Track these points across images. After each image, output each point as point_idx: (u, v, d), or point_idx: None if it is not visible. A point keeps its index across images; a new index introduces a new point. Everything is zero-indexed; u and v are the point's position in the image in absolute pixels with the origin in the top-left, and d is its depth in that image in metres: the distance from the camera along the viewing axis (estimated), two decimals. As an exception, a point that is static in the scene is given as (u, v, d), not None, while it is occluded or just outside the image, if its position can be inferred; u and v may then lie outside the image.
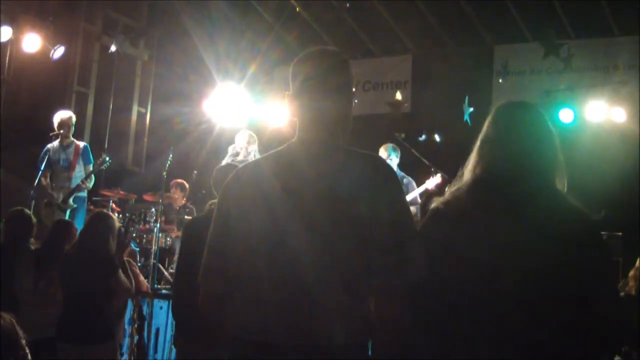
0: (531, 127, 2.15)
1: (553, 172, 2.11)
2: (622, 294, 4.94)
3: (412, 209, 6.83)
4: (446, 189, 2.24)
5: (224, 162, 6.89)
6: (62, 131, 7.14)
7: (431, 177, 7.19)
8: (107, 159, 7.09)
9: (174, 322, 4.63)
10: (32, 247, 5.03)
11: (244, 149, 7.11)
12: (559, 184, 2.13)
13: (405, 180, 7.24)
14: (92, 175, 7.21)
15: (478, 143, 2.20)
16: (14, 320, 1.25)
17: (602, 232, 2.21)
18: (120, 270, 4.28)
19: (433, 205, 2.19)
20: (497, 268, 1.97)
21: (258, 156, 6.97)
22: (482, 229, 2.03)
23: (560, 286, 1.96)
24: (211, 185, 4.29)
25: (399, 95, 9.00)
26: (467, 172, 2.18)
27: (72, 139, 7.35)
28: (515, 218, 2.01)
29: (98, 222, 4.40)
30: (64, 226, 5.01)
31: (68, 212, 6.99)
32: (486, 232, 2.02)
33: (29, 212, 5.31)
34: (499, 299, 1.97)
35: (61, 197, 7.04)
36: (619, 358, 4.82)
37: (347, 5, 9.16)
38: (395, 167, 7.13)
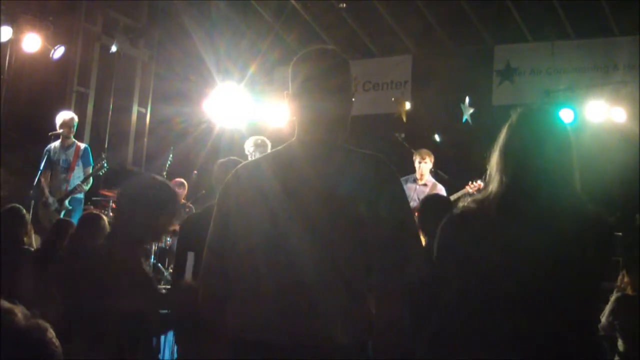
0: (555, 135, 2.15)
1: (574, 177, 2.11)
2: (619, 293, 4.94)
3: None
4: (465, 197, 2.23)
5: None
6: (62, 131, 7.14)
7: (471, 183, 7.14)
8: (105, 164, 7.08)
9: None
10: (27, 246, 4.97)
11: (250, 155, 7.17)
12: (577, 185, 2.12)
13: (437, 187, 7.19)
14: (91, 179, 7.20)
15: (501, 149, 2.17)
16: (52, 335, 1.23)
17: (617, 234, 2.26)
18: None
19: (459, 207, 2.18)
20: (518, 273, 1.97)
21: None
22: (506, 236, 2.02)
23: (578, 291, 1.97)
24: (212, 180, 4.26)
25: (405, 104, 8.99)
26: (494, 180, 2.15)
27: (74, 140, 7.35)
28: (540, 227, 2.00)
29: (88, 223, 4.37)
30: (64, 226, 4.99)
31: (63, 213, 6.97)
32: (510, 239, 2.02)
33: (21, 209, 5.22)
34: (515, 302, 1.98)
35: (56, 198, 7.03)
36: (618, 358, 4.82)
37: (343, 5, 9.16)
38: (427, 174, 7.17)
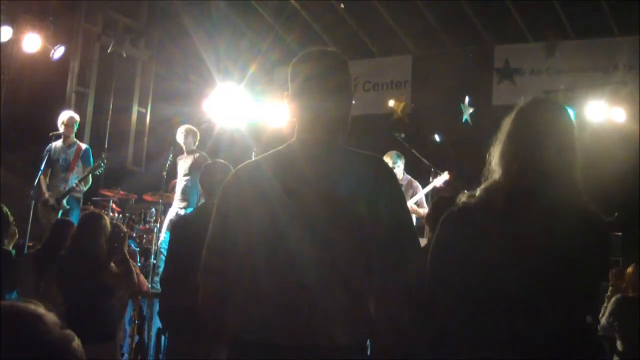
0: (559, 127, 2.12)
1: (575, 171, 2.10)
2: (619, 295, 4.95)
3: (420, 211, 6.80)
4: (462, 193, 2.20)
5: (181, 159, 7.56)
6: (62, 131, 7.14)
7: (438, 176, 7.17)
8: (102, 164, 7.09)
9: (163, 323, 4.59)
10: (8, 247, 4.88)
11: (181, 143, 7.60)
12: (578, 181, 2.11)
13: (414, 184, 7.20)
14: (89, 178, 7.19)
15: (503, 140, 2.14)
16: (77, 345, 1.23)
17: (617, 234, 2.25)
18: (112, 265, 4.22)
19: (462, 200, 2.16)
20: (518, 273, 1.97)
21: (193, 147, 7.39)
22: (506, 235, 2.02)
23: (578, 291, 1.97)
24: (200, 182, 4.28)
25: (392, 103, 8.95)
26: (499, 171, 2.13)
27: (75, 139, 7.35)
28: (540, 226, 1.99)
29: (89, 223, 4.36)
30: (64, 226, 4.97)
31: (60, 212, 6.97)
32: (510, 239, 2.01)
33: (3, 208, 4.96)
34: (515, 302, 1.97)
35: (54, 197, 7.03)
36: (617, 358, 4.83)
37: (342, 5, 9.17)
38: (401, 173, 7.11)
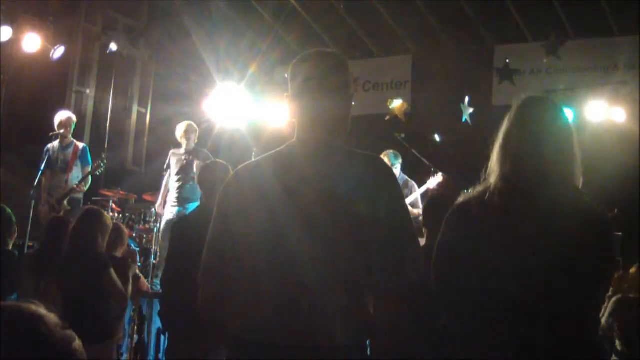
0: (556, 126, 2.12)
1: (574, 170, 2.10)
2: (619, 295, 4.94)
3: (415, 211, 6.79)
4: (466, 190, 2.21)
5: (170, 155, 7.47)
6: (61, 131, 7.14)
7: (432, 177, 7.19)
8: (102, 164, 7.07)
9: (163, 323, 4.59)
10: (9, 247, 4.86)
11: (183, 140, 7.47)
12: (577, 180, 2.11)
13: (409, 184, 7.22)
14: (89, 178, 7.18)
15: (501, 140, 2.15)
16: (78, 345, 1.24)
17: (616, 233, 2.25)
18: (112, 271, 4.19)
19: (459, 201, 2.17)
20: (518, 273, 1.97)
21: (193, 145, 7.30)
22: (506, 235, 2.02)
23: (579, 291, 1.97)
24: (198, 182, 4.29)
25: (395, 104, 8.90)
26: (494, 171, 2.14)
27: (72, 139, 7.34)
28: (539, 225, 1.99)
29: (88, 219, 4.34)
30: (59, 225, 4.92)
31: (62, 213, 6.96)
32: (510, 238, 2.01)
33: (7, 209, 4.95)
34: (515, 302, 1.97)
35: (55, 198, 7.02)
36: (616, 358, 4.83)
37: (341, 6, 9.17)
38: (398, 173, 7.09)
